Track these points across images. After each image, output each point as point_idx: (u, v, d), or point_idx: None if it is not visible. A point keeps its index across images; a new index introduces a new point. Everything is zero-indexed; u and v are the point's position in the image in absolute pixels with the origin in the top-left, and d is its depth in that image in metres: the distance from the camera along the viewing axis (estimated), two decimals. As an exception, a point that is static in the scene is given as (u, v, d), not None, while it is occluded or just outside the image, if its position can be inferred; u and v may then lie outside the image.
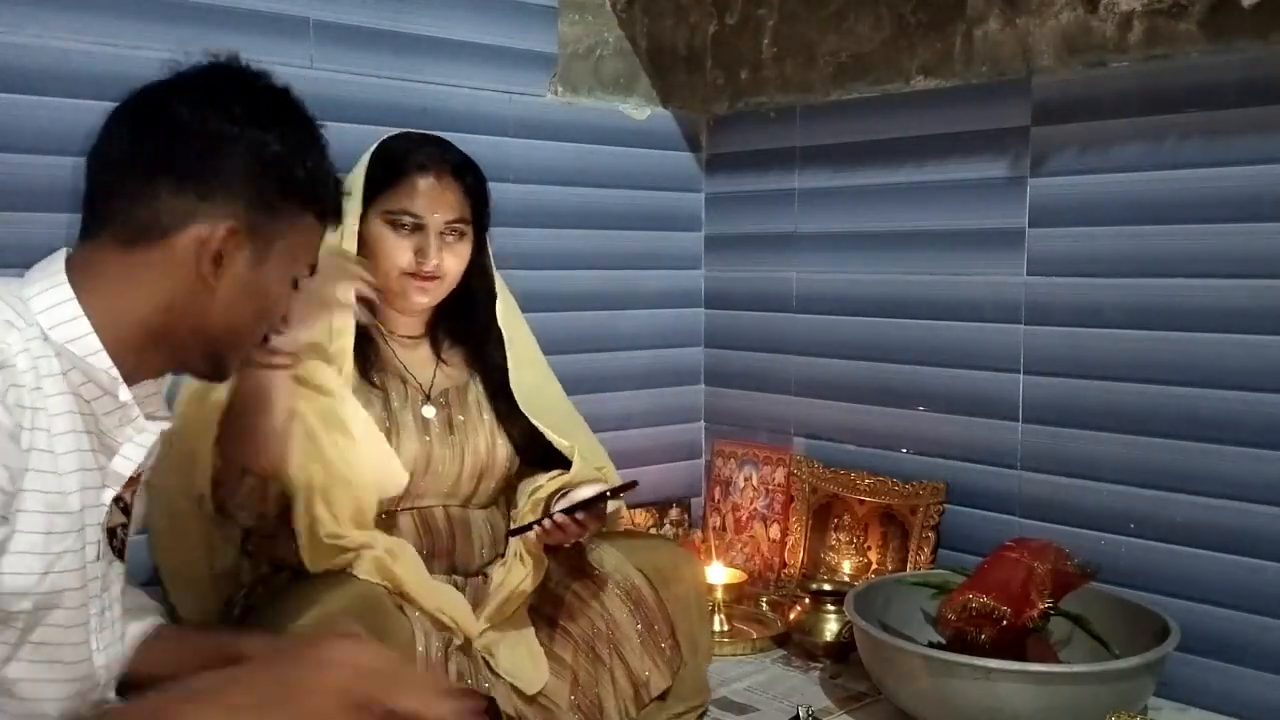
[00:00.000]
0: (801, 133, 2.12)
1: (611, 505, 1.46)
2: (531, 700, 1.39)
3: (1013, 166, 1.80)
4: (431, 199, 1.47)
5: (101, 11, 1.58)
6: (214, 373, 1.03)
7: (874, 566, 1.96)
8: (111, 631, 0.99)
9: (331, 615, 1.23)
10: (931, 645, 1.53)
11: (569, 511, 1.37)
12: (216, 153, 0.95)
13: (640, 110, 2.19)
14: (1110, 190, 1.68)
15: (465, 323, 1.55)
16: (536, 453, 1.53)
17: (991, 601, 1.48)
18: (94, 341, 0.92)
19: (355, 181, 1.48)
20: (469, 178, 1.51)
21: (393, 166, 1.48)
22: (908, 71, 1.90)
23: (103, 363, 0.92)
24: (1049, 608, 1.49)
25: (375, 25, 1.85)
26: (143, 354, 0.96)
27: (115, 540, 0.98)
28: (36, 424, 0.88)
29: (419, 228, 1.46)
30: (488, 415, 1.52)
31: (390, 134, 1.55)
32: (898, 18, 1.91)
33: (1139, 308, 1.65)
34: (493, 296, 1.55)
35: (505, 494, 1.55)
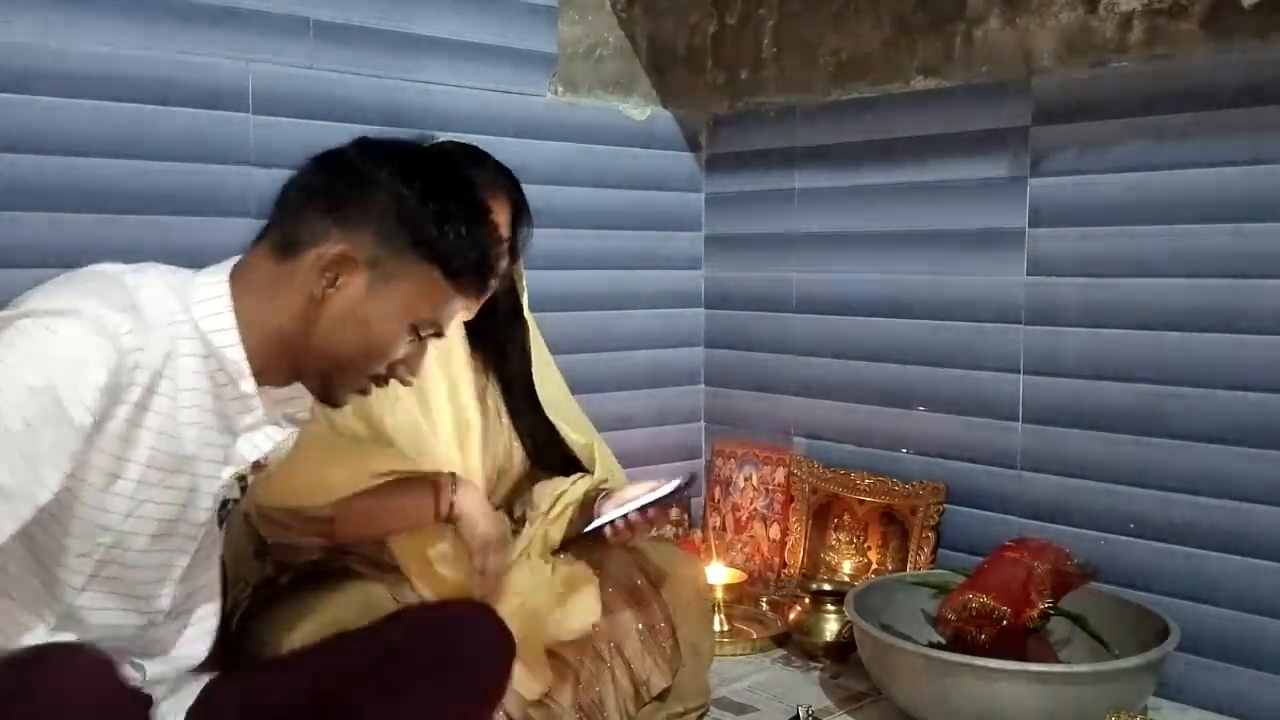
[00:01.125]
0: (801, 133, 2.12)
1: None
2: (535, 701, 1.39)
3: (1013, 166, 1.80)
4: (498, 220, 1.48)
5: (101, 11, 1.58)
6: (322, 393, 1.12)
7: (874, 566, 1.96)
8: (191, 586, 1.12)
9: (329, 623, 1.24)
10: (931, 645, 1.53)
11: (642, 510, 1.38)
12: (362, 189, 1.08)
13: (640, 110, 2.19)
14: (1110, 190, 1.68)
15: (487, 327, 1.55)
16: (548, 456, 1.54)
17: (991, 601, 1.48)
18: (232, 335, 1.05)
19: None
20: (516, 193, 1.52)
21: None
22: (908, 71, 1.90)
23: (235, 355, 1.05)
24: (1049, 608, 1.50)
25: (375, 25, 1.85)
26: (270, 357, 1.08)
27: (224, 510, 1.11)
28: (159, 389, 1.00)
29: None
30: (505, 418, 1.53)
31: (433, 145, 1.54)
32: (898, 18, 1.91)
33: (1139, 308, 1.65)
34: (517, 300, 1.56)
35: (510, 495, 1.56)
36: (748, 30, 2.17)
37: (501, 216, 1.50)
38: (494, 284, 1.19)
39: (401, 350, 1.10)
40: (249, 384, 1.07)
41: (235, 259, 1.10)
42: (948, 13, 1.84)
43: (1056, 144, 1.74)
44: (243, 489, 1.13)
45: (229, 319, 1.06)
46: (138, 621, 1.06)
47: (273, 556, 1.42)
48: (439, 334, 1.13)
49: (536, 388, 1.52)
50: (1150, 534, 1.65)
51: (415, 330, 1.10)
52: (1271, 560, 1.53)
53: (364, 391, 1.14)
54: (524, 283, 1.57)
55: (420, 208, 1.08)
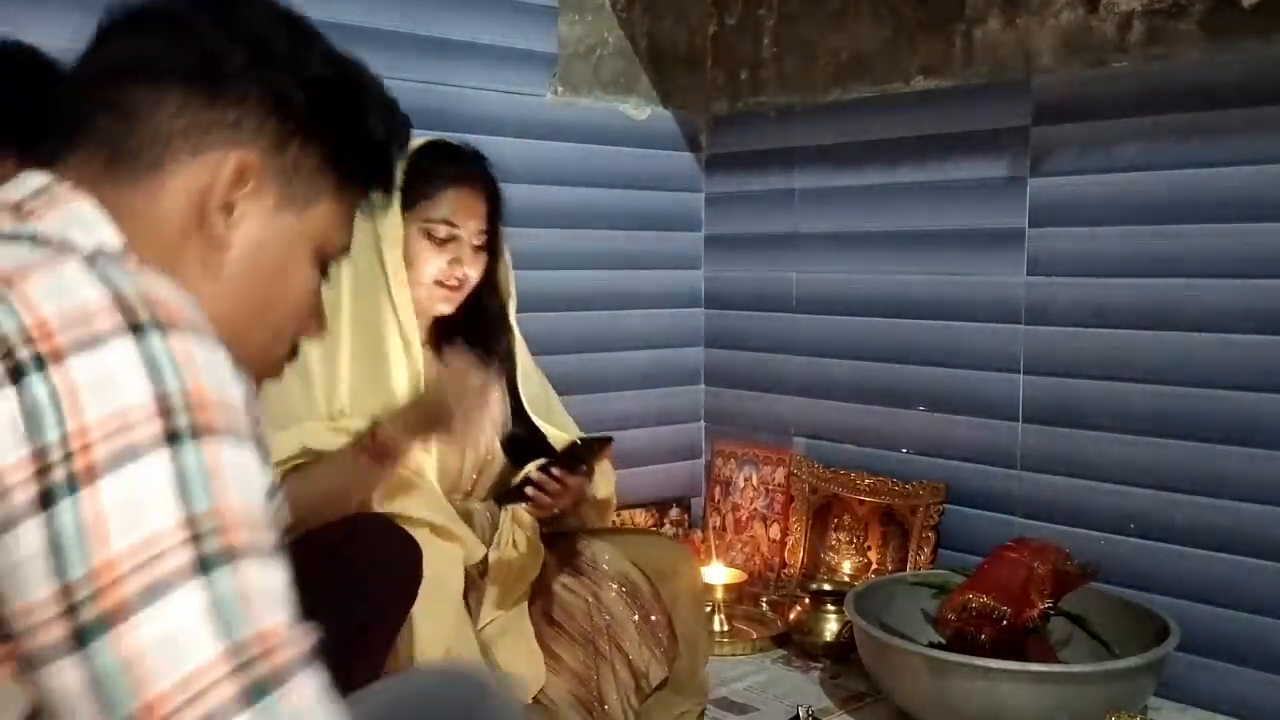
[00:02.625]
0: (801, 133, 2.12)
1: (602, 484, 1.49)
2: (532, 700, 1.39)
3: (1013, 166, 1.80)
4: (466, 209, 1.49)
5: (101, 12, 1.58)
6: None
7: (874, 566, 1.96)
8: None
9: None
10: (931, 645, 1.53)
11: (545, 469, 1.39)
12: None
13: (640, 110, 2.19)
14: (1110, 190, 1.67)
15: (477, 326, 1.55)
16: (530, 455, 1.54)
17: (991, 601, 1.48)
18: None
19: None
20: (494, 187, 1.53)
21: (431, 175, 1.49)
22: (908, 71, 1.90)
23: None
24: (1049, 608, 1.50)
25: (376, 26, 1.85)
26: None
27: None
28: None
29: (453, 238, 1.47)
30: (488, 418, 1.53)
31: (420, 142, 1.55)
32: (898, 18, 1.91)
33: (1139, 308, 1.65)
34: (503, 302, 1.57)
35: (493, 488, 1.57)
36: (748, 30, 2.17)
37: (478, 209, 1.51)
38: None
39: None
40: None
41: None
42: (948, 13, 1.84)
43: (1056, 144, 1.74)
44: None
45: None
46: None
47: None
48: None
49: (520, 389, 1.54)
50: (1150, 534, 1.65)
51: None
52: (1271, 560, 1.53)
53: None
54: (512, 286, 1.58)
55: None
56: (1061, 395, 1.75)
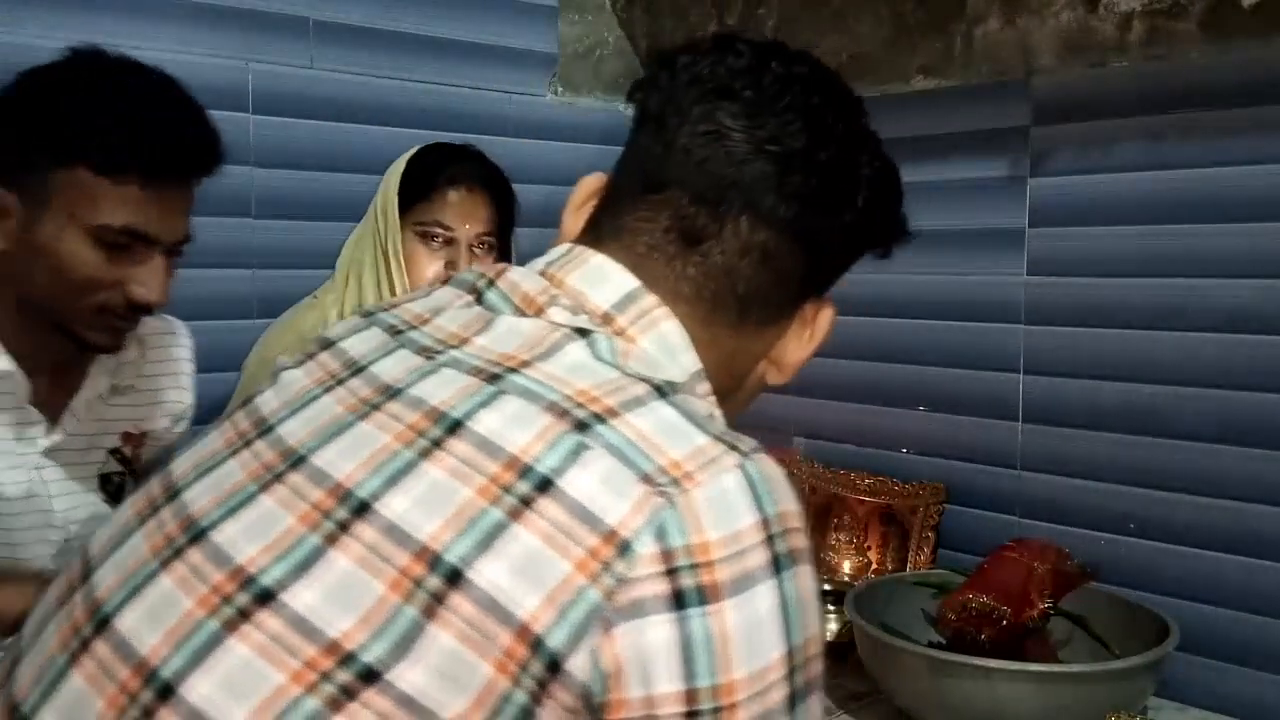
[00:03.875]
0: (801, 133, 2.11)
1: None
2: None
3: (1013, 166, 1.80)
4: (463, 212, 1.48)
5: (101, 11, 1.58)
6: (79, 344, 1.11)
7: (874, 566, 1.96)
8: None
9: None
10: (931, 645, 1.53)
11: None
12: None
13: (640, 110, 2.18)
14: (1110, 190, 1.67)
15: None
16: None
17: (991, 601, 1.48)
18: None
19: (389, 196, 1.49)
20: (499, 190, 1.52)
21: (425, 180, 1.49)
22: (908, 71, 1.90)
23: None
24: (1049, 608, 1.49)
25: (375, 25, 1.85)
26: (17, 331, 1.08)
27: (110, 485, 1.13)
28: None
29: (450, 241, 1.47)
30: None
31: (422, 145, 1.55)
32: (898, 18, 1.91)
33: (1139, 308, 1.65)
34: None
35: None
36: (748, 30, 2.17)
37: (477, 212, 1.50)
38: (187, 153, 1.11)
39: (110, 270, 1.06)
40: (4, 360, 1.06)
41: None
42: (948, 13, 1.84)
43: (1056, 144, 1.74)
44: (120, 460, 1.15)
45: None
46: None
47: None
48: (149, 240, 1.07)
49: None
50: (1150, 534, 1.65)
51: (101, 242, 1.05)
52: (1271, 560, 1.53)
53: (114, 330, 1.10)
54: None
55: (28, 119, 1.03)
56: (1061, 395, 1.74)
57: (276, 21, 1.74)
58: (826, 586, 1.87)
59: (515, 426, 0.64)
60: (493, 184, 1.52)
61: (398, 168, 1.53)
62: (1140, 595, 1.61)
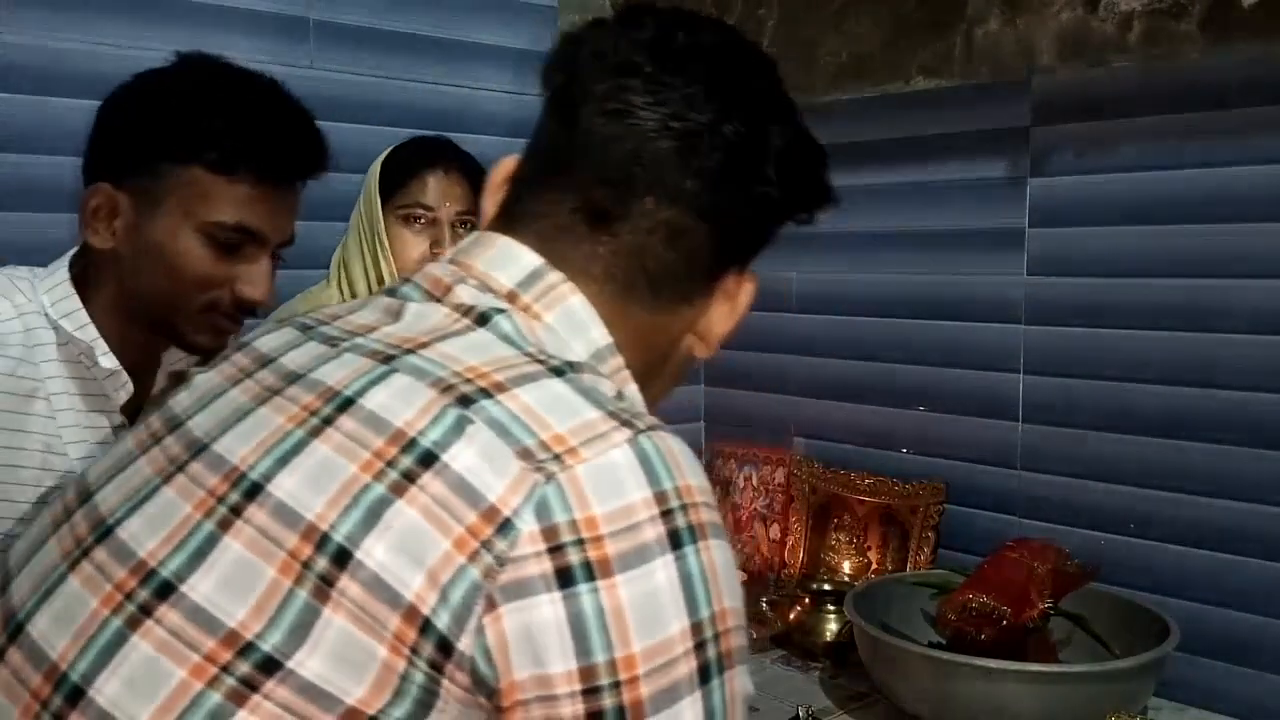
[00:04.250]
0: (801, 133, 2.11)
1: None
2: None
3: (1013, 166, 1.80)
4: (441, 191, 1.54)
5: (101, 11, 1.58)
6: (177, 341, 1.12)
7: (874, 566, 1.96)
8: None
9: None
10: (931, 645, 1.53)
11: None
12: (95, 133, 1.09)
13: (640, 110, 2.18)
14: (1110, 190, 1.67)
15: None
16: None
17: (991, 601, 1.48)
18: (82, 316, 1.06)
19: (370, 188, 1.53)
20: (475, 173, 1.56)
21: (402, 166, 1.55)
22: (908, 71, 1.90)
23: (88, 335, 1.05)
24: (1049, 608, 1.49)
25: (375, 25, 1.85)
26: (122, 326, 1.08)
27: None
28: (19, 373, 1.02)
29: (432, 222, 1.52)
30: None
31: (388, 150, 1.58)
32: (898, 18, 1.91)
33: (1139, 308, 1.65)
34: None
35: None
36: (748, 30, 2.16)
37: (454, 190, 1.54)
38: (298, 154, 1.14)
39: (220, 267, 1.08)
40: (108, 360, 1.06)
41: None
42: (948, 13, 1.83)
43: (1056, 144, 1.74)
44: None
45: (75, 302, 1.06)
46: None
47: None
48: (259, 238, 1.09)
49: None
50: (1150, 534, 1.65)
51: (213, 239, 1.07)
52: (1271, 560, 1.53)
53: (218, 329, 1.11)
54: None
55: (146, 119, 1.06)
56: (1061, 395, 1.74)
57: (276, 21, 1.74)
58: (826, 586, 1.88)
59: (401, 402, 0.64)
60: (468, 166, 1.57)
61: (377, 161, 1.59)
62: (1140, 595, 1.61)
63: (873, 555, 1.97)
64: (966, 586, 1.52)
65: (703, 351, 0.83)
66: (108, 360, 1.07)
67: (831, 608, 1.83)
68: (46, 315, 1.05)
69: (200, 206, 1.06)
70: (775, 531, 2.13)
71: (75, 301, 1.06)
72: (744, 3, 2.17)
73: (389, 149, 1.59)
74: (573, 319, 0.73)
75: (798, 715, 1.52)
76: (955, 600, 1.51)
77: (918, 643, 1.51)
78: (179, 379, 0.78)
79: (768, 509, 2.15)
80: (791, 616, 1.91)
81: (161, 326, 1.10)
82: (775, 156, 0.79)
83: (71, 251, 1.11)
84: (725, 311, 0.83)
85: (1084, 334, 1.71)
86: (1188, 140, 1.59)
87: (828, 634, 1.81)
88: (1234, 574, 1.56)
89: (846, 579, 1.93)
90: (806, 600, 1.89)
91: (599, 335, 0.75)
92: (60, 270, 1.09)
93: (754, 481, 2.19)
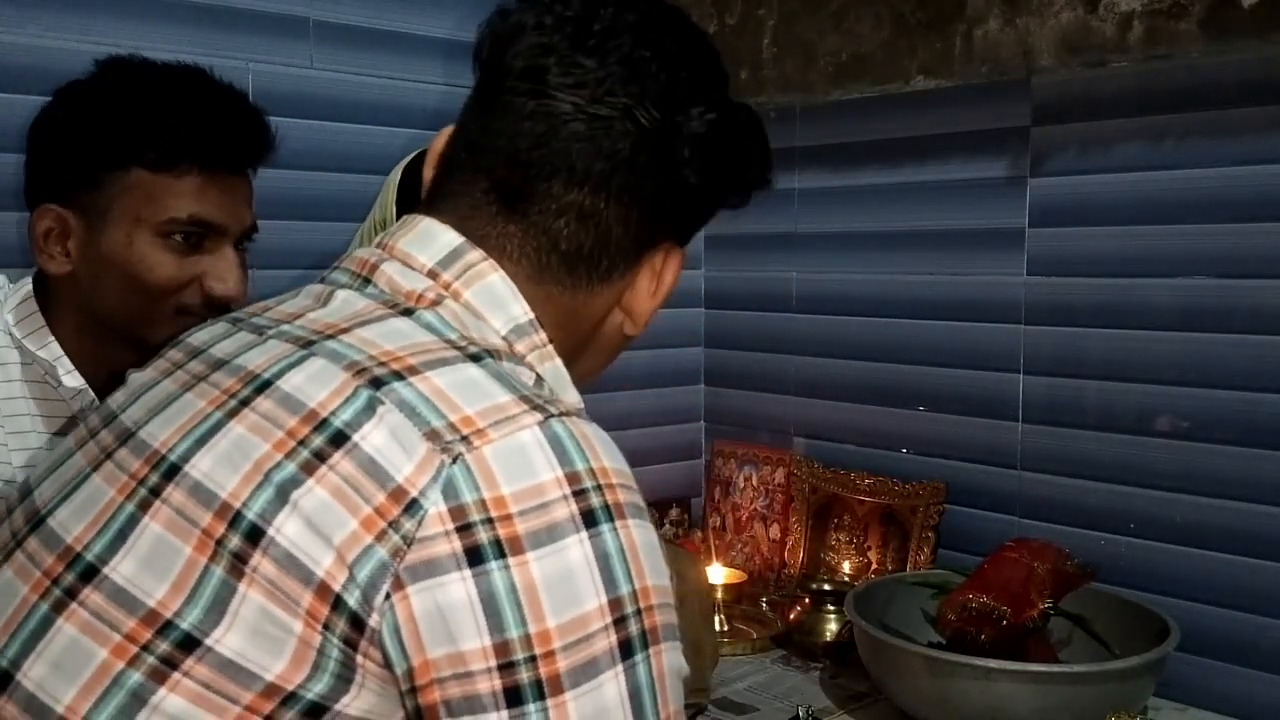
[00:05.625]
0: (801, 133, 2.12)
1: None
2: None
3: (1013, 166, 1.80)
4: None
5: (101, 11, 1.58)
6: (148, 346, 1.08)
7: (874, 566, 1.96)
8: None
9: None
10: (931, 645, 1.53)
11: None
12: (32, 150, 1.07)
13: (640, 110, 2.18)
14: (1110, 190, 1.67)
15: None
16: None
17: (991, 601, 1.48)
18: (45, 335, 1.05)
19: (388, 195, 1.51)
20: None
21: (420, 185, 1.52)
22: (908, 71, 1.90)
23: (51, 353, 1.04)
24: (1049, 608, 1.49)
25: (375, 25, 1.85)
26: (85, 344, 1.07)
27: None
28: None
29: None
30: None
31: (412, 156, 1.57)
32: (898, 18, 1.91)
33: (1139, 308, 1.65)
34: None
35: None
36: (748, 30, 2.17)
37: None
38: (240, 137, 1.10)
39: (184, 266, 1.06)
40: (72, 378, 1.05)
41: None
42: (948, 13, 1.83)
43: (1056, 144, 1.74)
44: None
45: (38, 319, 1.05)
46: None
47: None
48: (217, 228, 1.06)
49: None
50: (1150, 534, 1.65)
51: (170, 238, 1.05)
52: (1271, 560, 1.53)
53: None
54: None
55: (77, 132, 1.03)
56: (1061, 395, 1.74)
57: (276, 21, 1.74)
58: (826, 586, 1.88)
59: (316, 383, 0.65)
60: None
61: (398, 169, 1.55)
62: (1140, 595, 1.61)
63: (873, 555, 1.97)
64: (966, 586, 1.52)
65: (631, 329, 0.83)
66: (71, 379, 1.05)
67: (831, 608, 1.83)
68: (11, 334, 1.04)
69: (148, 208, 1.03)
70: (775, 531, 2.13)
71: (38, 319, 1.04)
72: (744, 3, 2.17)
73: (412, 156, 1.56)
74: (492, 295, 0.74)
75: (798, 715, 1.52)
76: (955, 600, 1.51)
77: (918, 643, 1.51)
78: (119, 380, 0.78)
79: (768, 509, 2.15)
80: (791, 616, 1.91)
81: (136, 341, 1.06)
82: (693, 141, 0.77)
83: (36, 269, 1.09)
84: (650, 289, 0.82)
85: (1084, 334, 1.71)
86: (1188, 140, 1.59)
87: (828, 634, 1.81)
88: (1234, 574, 1.56)
89: (846, 579, 1.93)
90: (806, 600, 1.89)
91: (519, 311, 0.75)
92: (25, 288, 1.07)
93: (754, 481, 2.19)
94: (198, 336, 0.77)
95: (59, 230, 1.04)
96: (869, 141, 2.00)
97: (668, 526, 2.23)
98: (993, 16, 1.78)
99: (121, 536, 0.64)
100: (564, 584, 0.60)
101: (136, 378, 0.77)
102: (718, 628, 1.86)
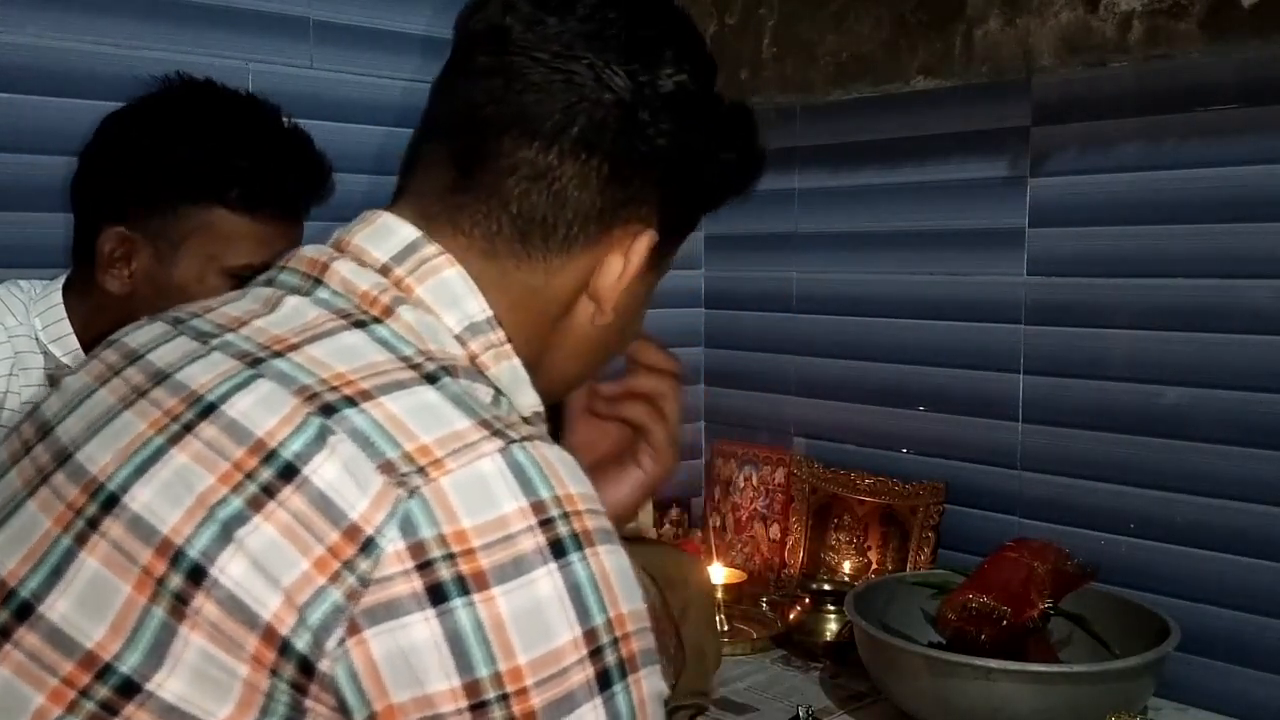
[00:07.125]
0: (801, 133, 2.12)
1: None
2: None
3: (1013, 166, 1.80)
4: None
5: (101, 11, 1.58)
6: None
7: (874, 566, 1.96)
8: None
9: None
10: (931, 645, 1.53)
11: None
12: (102, 163, 1.06)
13: (640, 110, 2.18)
14: (1110, 190, 1.67)
15: None
16: None
17: (991, 601, 1.48)
18: (71, 342, 1.04)
19: None
20: None
21: None
22: (908, 71, 1.90)
23: (77, 360, 1.01)
24: (1049, 608, 1.49)
25: (375, 25, 1.85)
26: None
27: None
28: (6, 405, 0.99)
29: None
30: None
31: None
32: (898, 18, 1.91)
33: (1139, 308, 1.65)
34: None
35: None
36: (748, 30, 2.17)
37: None
38: (315, 184, 1.11)
39: None
40: None
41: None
42: (948, 13, 1.83)
43: (1056, 144, 1.74)
44: None
45: (65, 326, 1.02)
46: None
47: None
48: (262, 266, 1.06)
49: None
50: (1150, 534, 1.65)
51: (235, 276, 1.04)
52: (1271, 560, 1.53)
53: None
54: None
55: (158, 159, 1.02)
56: (1061, 395, 1.74)
57: (276, 21, 1.74)
58: (826, 586, 1.88)
59: (264, 409, 0.60)
60: None
61: None
62: (1140, 595, 1.61)
63: (873, 555, 1.97)
64: (966, 586, 1.52)
65: (600, 318, 0.77)
66: None
67: (831, 608, 1.83)
68: (37, 339, 1.03)
69: (224, 248, 1.04)
70: (775, 531, 2.13)
71: (65, 326, 1.04)
72: (744, 3, 2.17)
73: None
74: (447, 290, 0.70)
75: (798, 715, 1.52)
76: (955, 600, 1.51)
77: (918, 643, 1.51)
78: (53, 382, 0.76)
79: (768, 509, 2.15)
80: (791, 616, 1.91)
81: None
82: (660, 100, 0.73)
83: (68, 273, 1.09)
84: (616, 268, 0.75)
85: (1084, 334, 1.71)
86: (1188, 140, 1.59)
87: (828, 634, 1.81)
88: (1234, 574, 1.56)
89: (846, 579, 1.93)
90: (806, 600, 1.89)
91: (476, 308, 0.71)
92: (55, 293, 1.06)
93: (754, 481, 2.19)
94: (135, 337, 0.72)
95: (125, 253, 1.04)
96: (869, 141, 2.00)
97: (668, 526, 2.23)
98: (993, 16, 1.78)
99: (57, 573, 0.60)
100: (533, 618, 0.57)
101: (70, 383, 0.72)
102: (716, 628, 1.86)
